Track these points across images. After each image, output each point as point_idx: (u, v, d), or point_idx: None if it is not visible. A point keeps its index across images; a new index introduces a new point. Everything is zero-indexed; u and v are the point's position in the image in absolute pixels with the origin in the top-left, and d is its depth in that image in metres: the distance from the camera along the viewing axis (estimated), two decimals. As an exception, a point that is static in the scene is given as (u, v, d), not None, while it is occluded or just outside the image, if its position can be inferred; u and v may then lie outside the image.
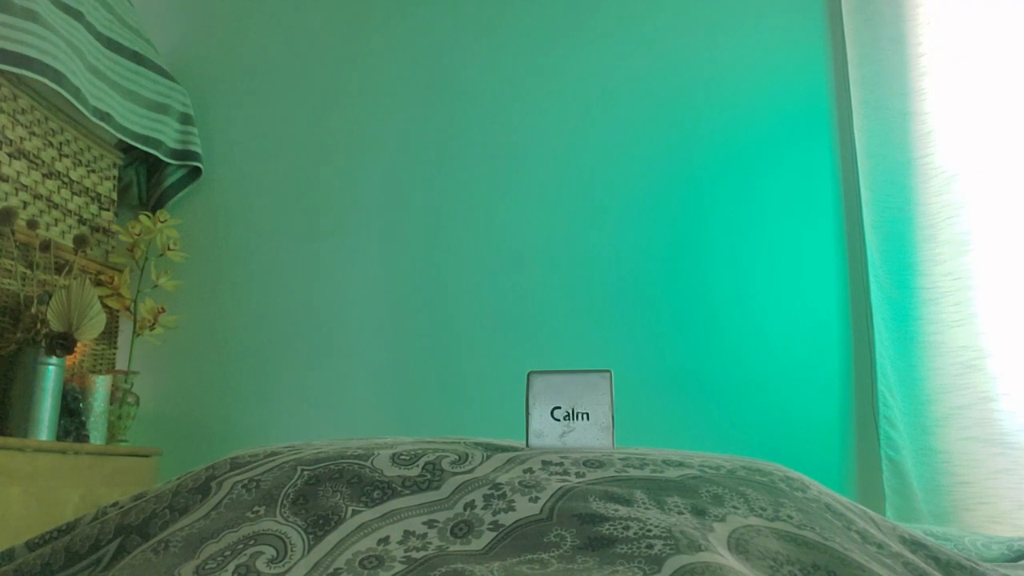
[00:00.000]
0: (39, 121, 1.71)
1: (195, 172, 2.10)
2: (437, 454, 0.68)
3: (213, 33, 2.23)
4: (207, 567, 0.55)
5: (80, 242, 1.72)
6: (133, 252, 1.94)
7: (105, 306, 1.80)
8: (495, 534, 0.57)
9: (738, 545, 0.56)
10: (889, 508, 1.58)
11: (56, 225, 1.75)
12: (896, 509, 1.58)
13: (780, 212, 1.84)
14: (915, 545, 0.66)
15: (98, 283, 1.88)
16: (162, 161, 2.04)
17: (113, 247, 1.94)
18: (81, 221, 1.84)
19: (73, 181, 1.82)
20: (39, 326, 1.55)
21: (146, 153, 2.00)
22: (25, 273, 1.61)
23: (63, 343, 1.55)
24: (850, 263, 1.79)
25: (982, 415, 1.54)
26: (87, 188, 1.86)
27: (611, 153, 1.94)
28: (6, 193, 1.60)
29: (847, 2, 1.83)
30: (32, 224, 1.62)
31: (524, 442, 0.77)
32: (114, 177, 1.97)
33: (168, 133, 2.02)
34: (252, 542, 0.58)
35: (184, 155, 2.06)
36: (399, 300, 1.96)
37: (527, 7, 2.07)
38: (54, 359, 1.56)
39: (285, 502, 0.62)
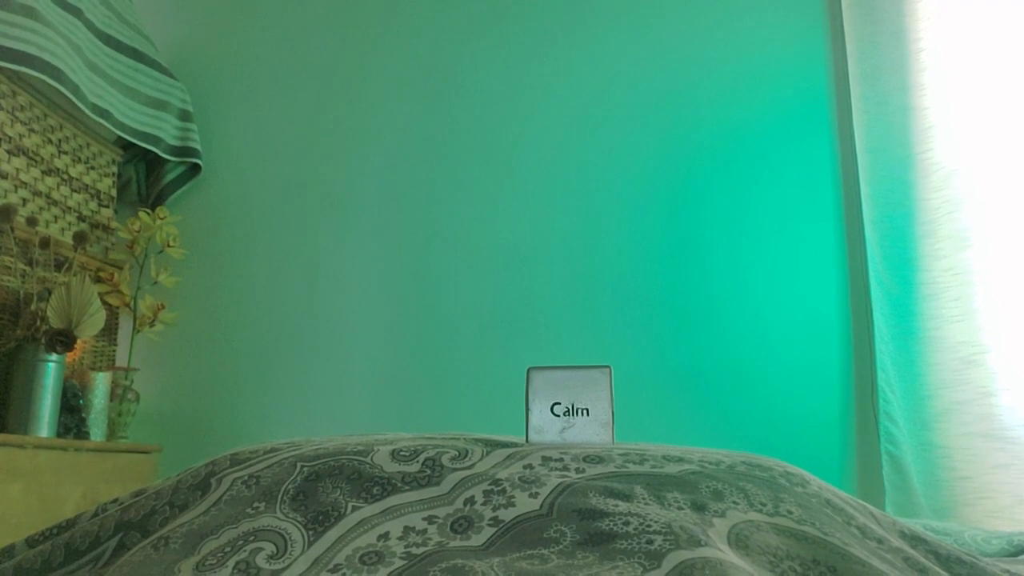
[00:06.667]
0: (38, 118, 1.71)
1: (194, 169, 2.10)
2: (437, 450, 0.68)
3: (212, 30, 2.23)
4: (207, 563, 0.55)
5: (80, 239, 1.72)
6: (133, 249, 1.94)
7: (105, 303, 1.80)
8: (495, 530, 0.57)
9: (738, 540, 0.56)
10: (889, 503, 1.59)
11: (56, 222, 1.75)
12: (896, 504, 1.58)
13: (780, 207, 1.84)
14: (915, 540, 0.66)
15: (98, 280, 1.87)
16: (161, 158, 2.04)
17: (113, 244, 1.94)
18: (80, 218, 1.83)
19: (72, 178, 1.81)
20: (39, 323, 1.55)
21: (145, 150, 2.00)
22: (25, 270, 1.60)
23: (63, 340, 1.55)
24: (850, 259, 1.79)
25: (982, 410, 1.54)
26: (86, 185, 1.86)
27: (610, 148, 1.94)
28: (5, 190, 1.60)
29: (847, -3, 1.83)
30: (31, 221, 1.62)
31: (524, 438, 0.77)
32: (113, 174, 1.97)
33: (167, 130, 2.02)
34: (252, 538, 0.58)
35: (183, 152, 2.05)
36: (399, 296, 1.96)
37: (526, 5, 2.06)
38: (54, 356, 1.56)
39: (285, 498, 0.62)
